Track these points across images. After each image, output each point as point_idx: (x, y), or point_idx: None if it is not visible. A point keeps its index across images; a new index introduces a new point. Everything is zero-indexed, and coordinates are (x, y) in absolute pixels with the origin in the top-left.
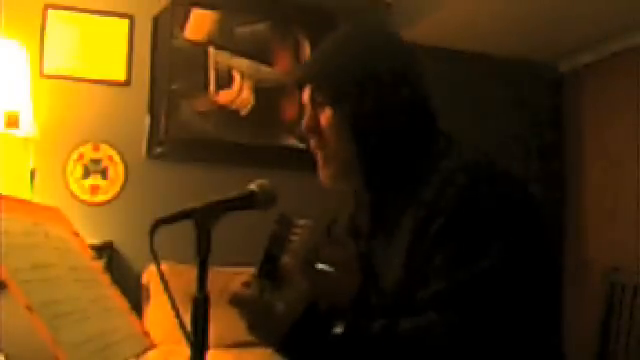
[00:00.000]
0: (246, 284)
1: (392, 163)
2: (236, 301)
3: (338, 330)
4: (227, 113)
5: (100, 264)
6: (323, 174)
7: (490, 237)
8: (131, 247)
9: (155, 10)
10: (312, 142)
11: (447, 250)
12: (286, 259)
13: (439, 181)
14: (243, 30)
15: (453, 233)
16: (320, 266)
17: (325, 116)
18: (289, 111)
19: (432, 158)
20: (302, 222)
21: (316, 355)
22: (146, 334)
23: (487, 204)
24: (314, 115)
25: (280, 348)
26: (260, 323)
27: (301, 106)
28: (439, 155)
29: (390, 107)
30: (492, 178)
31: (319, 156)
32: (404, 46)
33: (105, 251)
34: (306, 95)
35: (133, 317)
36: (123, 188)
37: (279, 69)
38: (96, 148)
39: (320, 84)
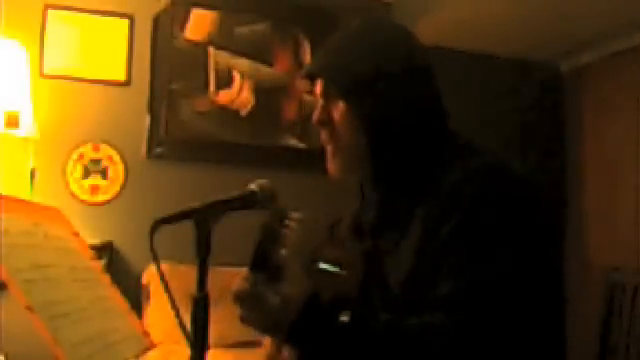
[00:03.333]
0: (245, 279)
1: (403, 158)
2: (235, 296)
3: (344, 318)
4: (227, 113)
5: (100, 264)
6: (332, 167)
7: (501, 241)
8: (131, 247)
9: (155, 10)
10: (323, 135)
11: (458, 252)
12: (284, 252)
13: (453, 181)
14: (243, 30)
15: (465, 235)
16: (323, 266)
17: (338, 109)
18: (289, 111)
19: (445, 156)
20: (295, 215)
21: (323, 343)
22: (146, 334)
23: (501, 207)
24: (326, 108)
25: (287, 338)
26: (250, 313)
27: (301, 106)
28: (453, 153)
29: (404, 102)
30: (507, 181)
31: (329, 149)
32: (417, 42)
33: (105, 251)
34: (318, 88)
35: (133, 317)
36: (123, 188)
37: (279, 69)
38: (96, 148)
39: (334, 77)
